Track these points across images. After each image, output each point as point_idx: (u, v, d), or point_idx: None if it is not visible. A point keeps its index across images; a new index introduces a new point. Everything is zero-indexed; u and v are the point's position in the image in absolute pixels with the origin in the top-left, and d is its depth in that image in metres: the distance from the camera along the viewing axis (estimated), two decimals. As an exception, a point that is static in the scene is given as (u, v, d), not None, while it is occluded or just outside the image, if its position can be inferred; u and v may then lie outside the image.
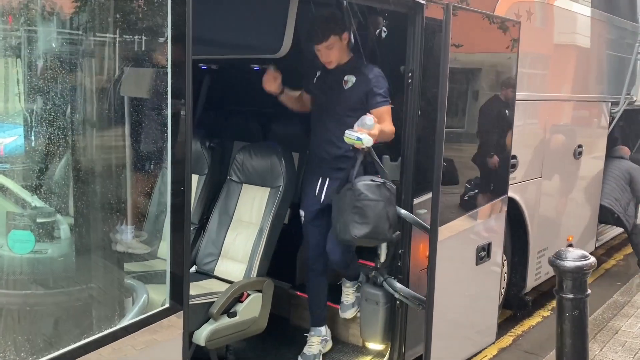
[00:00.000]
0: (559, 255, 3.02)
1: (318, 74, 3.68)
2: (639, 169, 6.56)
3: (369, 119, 3.24)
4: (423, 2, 3.43)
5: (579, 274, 2.97)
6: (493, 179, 4.11)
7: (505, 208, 4.19)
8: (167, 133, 2.24)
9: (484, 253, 3.97)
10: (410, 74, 3.52)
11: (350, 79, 3.54)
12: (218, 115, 4.84)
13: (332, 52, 3.48)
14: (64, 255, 2.32)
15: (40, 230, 2.20)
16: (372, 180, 3.21)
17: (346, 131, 3.28)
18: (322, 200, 3.63)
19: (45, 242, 2.25)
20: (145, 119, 2.42)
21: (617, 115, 6.10)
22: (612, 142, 6.49)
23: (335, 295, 3.98)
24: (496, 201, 4.08)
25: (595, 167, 6.06)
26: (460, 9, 3.42)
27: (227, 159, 4.68)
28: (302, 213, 3.76)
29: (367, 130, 3.19)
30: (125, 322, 2.21)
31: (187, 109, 2.23)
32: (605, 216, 6.30)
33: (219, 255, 3.74)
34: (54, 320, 2.24)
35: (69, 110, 2.28)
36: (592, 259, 3.00)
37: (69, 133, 2.27)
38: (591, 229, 6.18)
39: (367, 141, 3.16)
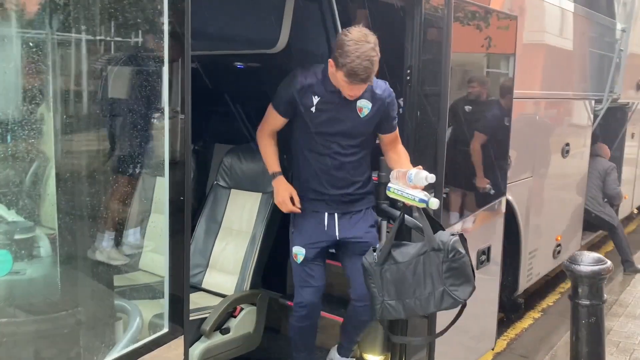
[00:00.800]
0: (573, 260, 2.88)
1: (317, 99, 2.86)
2: (614, 168, 6.57)
3: (430, 176, 2.63)
4: (422, -6, 3.25)
5: (596, 279, 2.83)
6: (492, 180, 3.97)
7: (503, 209, 4.06)
8: (164, 136, 2.00)
9: (484, 257, 3.82)
10: (408, 71, 3.34)
11: (366, 106, 2.89)
12: (199, 116, 4.57)
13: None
14: (45, 276, 2.04)
15: (18, 248, 1.93)
16: (452, 235, 2.67)
17: (393, 186, 2.74)
18: (336, 235, 3.01)
19: (24, 262, 1.98)
20: (139, 121, 2.17)
21: (601, 113, 6.07)
22: (593, 140, 6.47)
23: (331, 305, 3.76)
24: (495, 202, 3.94)
25: (582, 165, 6.02)
26: (461, 1, 3.25)
27: (210, 163, 4.43)
28: (300, 251, 3.01)
29: (422, 187, 2.64)
30: (117, 351, 1.95)
31: (186, 109, 2.00)
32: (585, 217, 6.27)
33: (207, 266, 3.49)
34: (34, 352, 1.96)
35: (48, 111, 2.01)
36: (609, 263, 2.86)
37: (50, 136, 2.00)
38: (577, 228, 6.14)
39: (435, 204, 2.59)
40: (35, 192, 2.03)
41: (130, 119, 2.18)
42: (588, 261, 2.84)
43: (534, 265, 5.19)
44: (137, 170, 2.56)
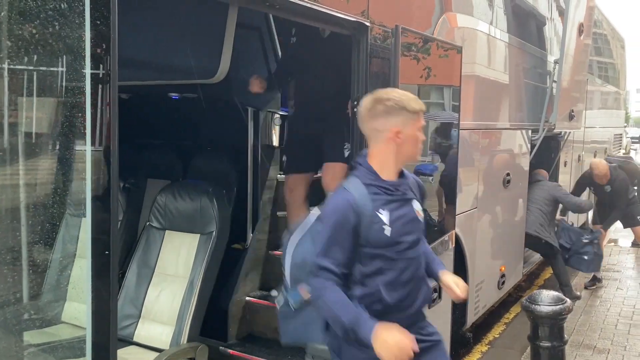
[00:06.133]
0: (532, 299, 2.75)
1: None
2: (558, 186, 6.66)
3: None
4: (368, 24, 3.12)
5: (557, 319, 2.71)
6: (442, 214, 3.85)
7: (453, 244, 3.93)
8: (87, 169, 1.73)
9: (435, 295, 3.65)
10: (355, 102, 3.18)
11: None
12: (129, 150, 4.25)
13: None
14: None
15: None
16: None
17: None
18: None
19: None
20: (59, 156, 1.89)
21: (538, 142, 6.14)
22: (530, 169, 6.53)
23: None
24: (445, 237, 3.81)
25: (522, 194, 6.05)
26: (408, 32, 3.14)
27: (142, 201, 4.10)
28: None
29: None
30: None
31: (112, 143, 1.74)
32: (533, 244, 6.27)
33: (140, 317, 3.16)
34: None
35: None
36: (569, 302, 2.75)
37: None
38: (519, 257, 6.14)
39: None
40: None
41: (50, 151, 1.91)
42: (547, 300, 2.72)
43: (481, 298, 5.10)
44: (59, 209, 2.27)
